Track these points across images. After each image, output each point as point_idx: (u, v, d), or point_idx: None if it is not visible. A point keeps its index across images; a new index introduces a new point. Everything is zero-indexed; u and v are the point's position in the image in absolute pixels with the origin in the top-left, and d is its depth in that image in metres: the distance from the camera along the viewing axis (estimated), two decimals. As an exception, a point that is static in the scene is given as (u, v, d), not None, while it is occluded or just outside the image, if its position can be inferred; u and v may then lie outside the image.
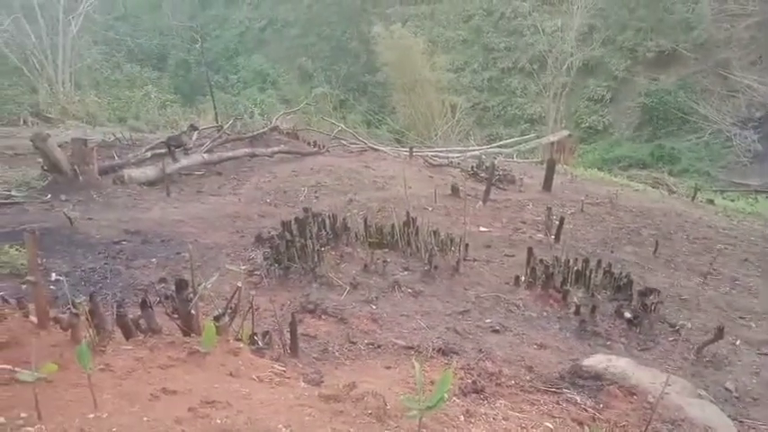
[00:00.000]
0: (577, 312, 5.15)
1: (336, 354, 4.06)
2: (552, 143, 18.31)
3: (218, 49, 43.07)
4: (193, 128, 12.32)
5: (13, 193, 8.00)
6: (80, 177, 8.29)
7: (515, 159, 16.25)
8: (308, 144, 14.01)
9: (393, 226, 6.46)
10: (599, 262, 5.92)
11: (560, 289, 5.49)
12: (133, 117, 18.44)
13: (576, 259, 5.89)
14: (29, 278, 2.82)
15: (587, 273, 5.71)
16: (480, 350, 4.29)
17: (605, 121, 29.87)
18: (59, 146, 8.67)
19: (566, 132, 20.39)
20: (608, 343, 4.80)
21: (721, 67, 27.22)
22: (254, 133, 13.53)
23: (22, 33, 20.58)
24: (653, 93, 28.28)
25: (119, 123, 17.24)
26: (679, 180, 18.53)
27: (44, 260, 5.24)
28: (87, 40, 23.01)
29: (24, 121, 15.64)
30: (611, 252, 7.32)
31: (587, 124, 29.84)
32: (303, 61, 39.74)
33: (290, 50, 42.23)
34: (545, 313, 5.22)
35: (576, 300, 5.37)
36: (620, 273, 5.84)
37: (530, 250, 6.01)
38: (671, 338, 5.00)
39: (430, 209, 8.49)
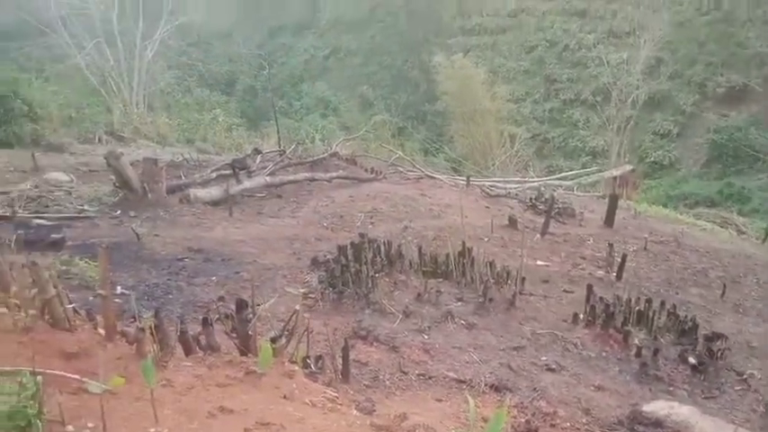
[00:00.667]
0: (638, 355, 4.95)
1: (387, 383, 4.04)
2: (615, 177, 17.84)
3: (283, 75, 44.40)
4: (257, 151, 12.69)
5: (85, 207, 8.42)
6: (149, 195, 8.66)
7: (576, 192, 15.92)
8: (366, 170, 14.17)
9: (448, 255, 6.42)
10: (663, 303, 5.69)
11: (621, 329, 5.30)
12: (201, 139, 19.18)
13: (639, 299, 5.68)
14: (99, 291, 2.95)
15: (650, 314, 5.49)
16: (535, 389, 4.18)
17: (671, 157, 28.95)
18: (131, 164, 9.11)
19: (629, 166, 19.84)
20: (670, 389, 4.59)
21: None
22: (315, 158, 13.80)
23: (102, 57, 21.88)
24: (722, 129, 27.27)
25: (187, 144, 17.96)
26: (749, 220, 17.66)
27: (111, 273, 5.47)
28: (162, 64, 24.22)
29: (99, 140, 16.51)
30: (676, 293, 7.03)
31: (652, 159, 28.99)
32: (364, 89, 40.47)
33: (352, 78, 43.11)
34: (604, 354, 5.05)
35: (637, 341, 5.16)
36: (685, 315, 5.59)
37: (589, 287, 5.84)
38: (738, 388, 4.73)
39: (486, 239, 8.40)
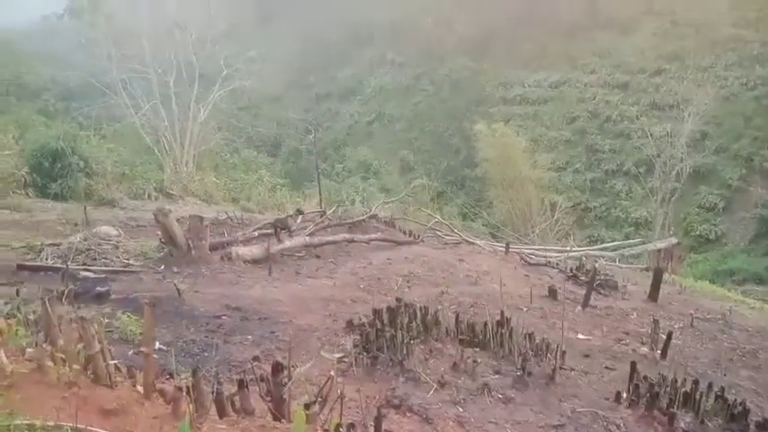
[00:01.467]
0: (685, 440, 4.70)
1: (420, 455, 3.92)
2: (659, 250, 17.43)
3: (328, 139, 45.65)
4: (299, 212, 12.94)
5: (131, 262, 8.66)
6: (193, 252, 8.87)
7: (618, 264, 15.57)
8: (404, 233, 14.23)
9: (486, 324, 6.31)
10: (710, 385, 5.42)
11: (666, 411, 5.05)
12: (245, 198, 19.72)
13: (685, 380, 5.43)
14: (142, 349, 3.00)
15: (697, 396, 5.23)
16: (574, 470, 3.99)
17: (718, 231, 28.22)
18: (177, 221, 9.39)
19: (674, 240, 19.38)
20: (720, 479, 4.31)
21: None
22: (354, 220, 13.97)
23: (157, 117, 23.00)
24: (771, 204, 26.56)
25: (232, 203, 18.48)
26: (802, 300, 16.88)
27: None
28: (213, 126, 25.24)
29: (149, 196, 17.14)
30: (724, 375, 6.69)
31: (698, 232, 28.30)
32: (405, 154, 41.17)
33: (394, 143, 43.98)
34: (648, 437, 4.80)
35: (683, 425, 4.90)
36: (735, 399, 5.30)
37: (633, 365, 5.63)
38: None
39: (525, 309, 8.24)
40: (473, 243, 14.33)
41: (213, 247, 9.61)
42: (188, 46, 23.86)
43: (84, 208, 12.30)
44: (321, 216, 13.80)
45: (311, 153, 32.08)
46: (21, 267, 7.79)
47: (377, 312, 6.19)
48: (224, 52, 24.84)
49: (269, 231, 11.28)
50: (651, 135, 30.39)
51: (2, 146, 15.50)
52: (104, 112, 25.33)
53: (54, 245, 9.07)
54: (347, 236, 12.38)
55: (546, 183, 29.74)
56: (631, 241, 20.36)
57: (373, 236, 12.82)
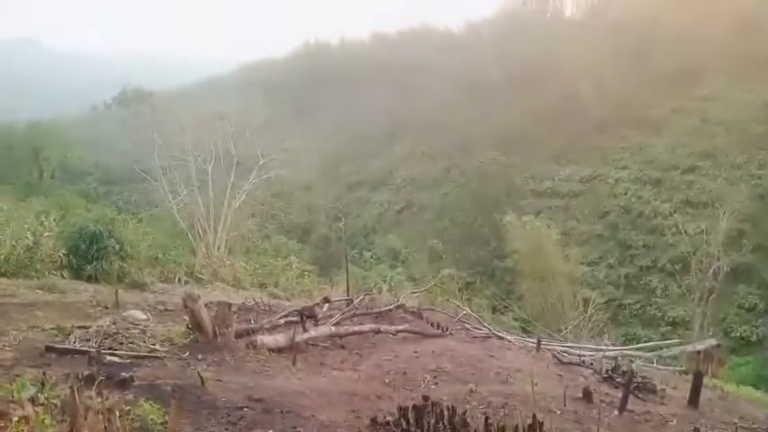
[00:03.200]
0: None
1: None
2: (698, 352, 16.63)
3: (357, 226, 46.20)
4: (326, 300, 12.88)
5: (157, 347, 8.61)
6: (218, 339, 8.80)
7: (655, 365, 14.86)
8: (432, 325, 13.94)
9: (517, 428, 5.99)
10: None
11: None
12: (273, 284, 19.75)
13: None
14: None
15: None
16: None
17: (759, 333, 27.10)
18: (205, 306, 9.39)
19: (714, 341, 18.53)
20: None
21: None
22: (381, 309, 13.79)
23: (193, 203, 23.69)
24: (815, 305, 25.49)
25: (260, 288, 18.50)
26: None
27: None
28: (246, 212, 25.83)
29: (179, 280, 17.30)
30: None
31: (738, 334, 27.21)
32: (434, 243, 41.20)
33: (423, 232, 44.21)
34: None
35: None
36: None
37: (676, 479, 5.23)
38: None
39: (558, 413, 7.83)
40: (503, 338, 13.92)
41: (239, 334, 9.53)
42: (227, 136, 24.92)
43: (116, 291, 12.45)
44: (348, 305, 13.69)
45: (340, 240, 32.38)
46: (49, 349, 7.82)
47: (402, 410, 5.95)
48: (261, 143, 25.83)
49: (295, 319, 11.18)
50: (686, 232, 29.96)
51: (43, 228, 15.99)
52: (143, 197, 26.25)
53: (83, 327, 9.11)
54: (374, 326, 12.18)
55: (578, 277, 29.24)
56: (669, 342, 19.51)
57: (400, 327, 12.59)
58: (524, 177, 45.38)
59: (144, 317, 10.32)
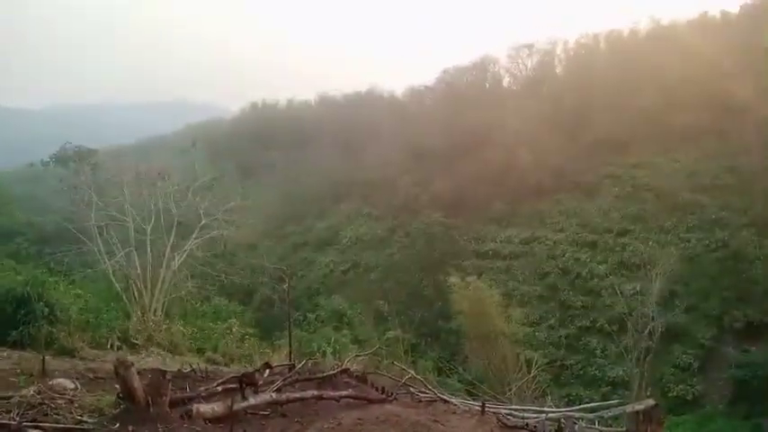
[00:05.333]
0: None
1: None
2: (638, 412, 16.89)
3: (301, 287, 45.56)
4: (267, 366, 12.45)
5: (84, 418, 8.09)
6: (152, 408, 8.33)
7: (597, 426, 14.96)
8: (377, 389, 13.66)
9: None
10: None
11: None
12: (212, 349, 18.97)
13: None
14: None
15: None
16: None
17: (695, 392, 27.90)
18: (138, 373, 8.93)
19: (652, 401, 18.89)
20: None
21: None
22: (325, 374, 13.44)
23: (130, 264, 22.80)
24: (745, 365, 26.59)
25: (197, 354, 17.74)
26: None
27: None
28: (185, 273, 25.02)
29: (111, 345, 16.41)
30: None
31: (675, 393, 27.94)
32: (380, 304, 40.95)
33: (369, 293, 43.92)
34: None
35: None
36: None
37: None
38: None
39: (503, 479, 7.74)
40: (448, 401, 13.76)
41: (174, 404, 9.06)
42: (169, 195, 24.41)
43: (43, 358, 11.71)
44: (290, 370, 13.29)
45: (284, 302, 31.69)
46: (-38, 423, 7.22)
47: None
48: (204, 202, 25.38)
49: (234, 386, 10.75)
50: (621, 293, 30.99)
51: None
52: (77, 258, 25.12)
53: (4, 398, 8.48)
54: (316, 392, 11.83)
55: (521, 338, 29.52)
56: (610, 402, 19.76)
57: (344, 393, 12.27)
58: (467, 239, 46.24)
59: (72, 386, 9.74)
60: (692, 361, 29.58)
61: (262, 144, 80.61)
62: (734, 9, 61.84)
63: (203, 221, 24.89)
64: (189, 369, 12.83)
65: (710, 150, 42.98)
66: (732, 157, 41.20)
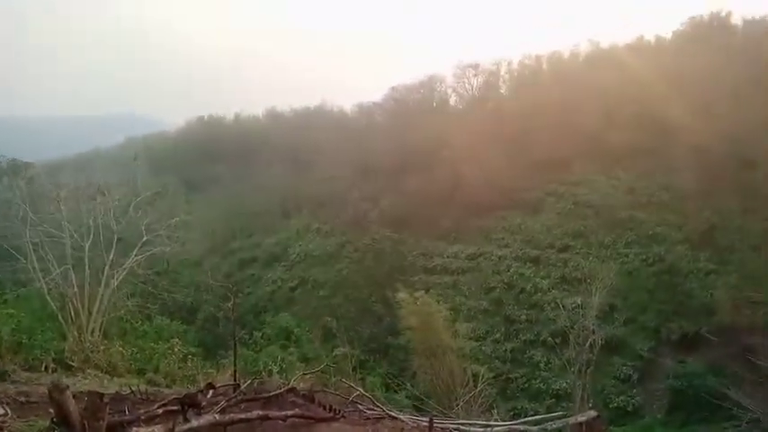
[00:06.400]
0: None
1: None
2: (580, 424, 17.31)
3: (248, 305, 44.74)
4: (210, 386, 12.13)
5: (14, 446, 7.68)
6: (86, 433, 7.98)
7: (542, 439, 15.23)
8: (324, 408, 13.50)
9: None
10: None
11: None
12: (153, 369, 18.32)
13: None
14: None
15: None
16: None
17: (634, 403, 28.79)
18: (74, 396, 8.55)
19: (594, 413, 19.38)
20: None
21: (749, 353, 26.78)
22: (270, 394, 13.20)
23: (66, 283, 21.86)
24: (681, 375, 27.66)
25: (137, 375, 17.10)
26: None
27: None
28: (125, 291, 24.21)
29: (46, 368, 15.66)
30: None
31: (615, 404, 28.75)
32: (328, 321, 40.65)
33: (317, 309, 43.59)
34: None
35: None
36: None
37: None
38: None
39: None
40: (396, 417, 13.73)
41: (111, 428, 8.69)
42: (109, 211, 23.64)
43: (-32, 382, 11.08)
44: (234, 390, 12.99)
45: (229, 320, 31.04)
46: None
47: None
48: (146, 218, 24.68)
49: (175, 408, 10.42)
50: (563, 307, 31.74)
51: None
52: (10, 276, 23.95)
53: None
54: (261, 412, 11.60)
55: (468, 352, 29.78)
56: (553, 415, 20.15)
57: (290, 412, 12.07)
58: (416, 254, 46.59)
59: (2, 411, 9.24)
60: (631, 372, 30.53)
61: (208, 158, 79.24)
62: (667, 34, 65.09)
63: (145, 237, 24.19)
64: (128, 391, 12.37)
65: (647, 169, 44.89)
66: (667, 176, 43.15)
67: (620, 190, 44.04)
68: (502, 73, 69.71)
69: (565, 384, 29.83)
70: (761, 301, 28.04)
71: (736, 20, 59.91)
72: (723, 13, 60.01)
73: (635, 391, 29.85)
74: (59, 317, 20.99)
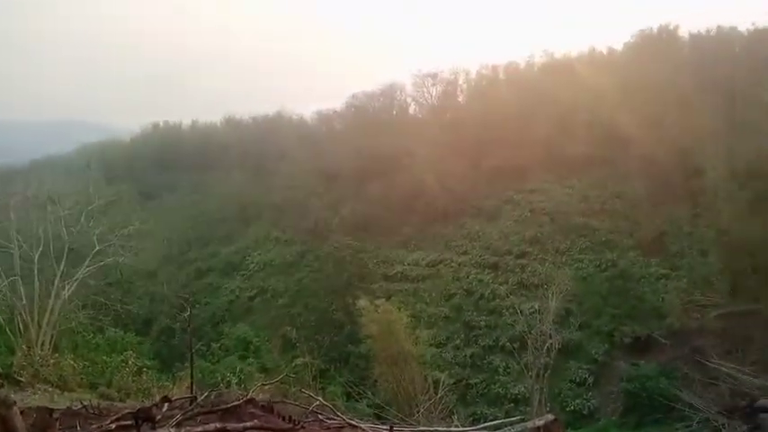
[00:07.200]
0: None
1: None
2: (538, 427, 17.59)
3: (205, 315, 43.94)
4: (165, 399, 11.87)
5: (-45, 466, 7.34)
6: (34, 451, 7.71)
7: (500, 444, 15.42)
8: (283, 418, 13.35)
9: None
10: None
11: None
12: (105, 383, 17.82)
13: None
14: None
15: None
16: None
17: (590, 405, 29.39)
18: (21, 412, 8.25)
19: (551, 416, 19.72)
20: None
21: (698, 355, 27.71)
22: (228, 405, 12.99)
23: (15, 295, 21.10)
24: (634, 378, 28.35)
25: (89, 389, 16.59)
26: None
27: None
28: (77, 303, 23.53)
29: (-8, 383, 15.05)
30: None
31: (572, 407, 29.30)
32: (288, 330, 40.28)
33: (276, 319, 43.15)
34: None
35: None
36: None
37: None
38: None
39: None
40: (357, 426, 13.68)
41: (61, 444, 8.44)
42: (60, 220, 22.97)
43: None
44: (191, 402, 12.74)
45: (185, 331, 30.46)
46: None
47: None
48: (99, 227, 24.07)
49: (129, 422, 10.16)
50: (521, 312, 32.29)
51: None
52: (-43, 289, 23.00)
53: None
54: (219, 425, 11.36)
55: (428, 359, 29.97)
56: (511, 419, 20.42)
57: (248, 424, 11.86)
58: (376, 262, 46.64)
59: (-60, 431, 8.82)
60: (587, 376, 31.17)
61: (164, 166, 77.70)
62: (618, 46, 66.99)
63: (98, 247, 23.60)
64: (79, 406, 11.98)
65: (600, 177, 46.14)
66: (619, 184, 44.43)
67: (575, 198, 45.14)
68: (460, 82, 70.55)
69: (523, 389, 30.27)
70: (709, 305, 29.07)
71: (684, 33, 62.19)
72: (671, 27, 62.18)
73: (590, 394, 30.49)
74: (7, 330, 20.25)
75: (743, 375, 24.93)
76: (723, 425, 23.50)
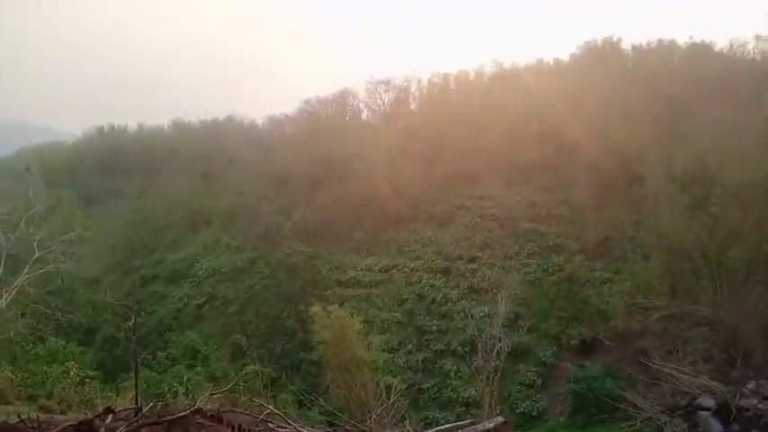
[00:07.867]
0: None
1: None
2: (488, 429, 17.82)
3: (151, 323, 42.78)
4: (108, 410, 11.46)
5: None
6: (-35, 468, 7.32)
7: (452, 447, 15.57)
8: (233, 428, 13.11)
9: None
10: None
11: None
12: (46, 395, 17.11)
13: None
14: None
15: None
16: None
17: (539, 407, 29.96)
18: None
19: (501, 418, 20.04)
20: None
21: (641, 356, 28.68)
22: (175, 416, 12.65)
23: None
24: (581, 379, 29.05)
25: (28, 402, 15.89)
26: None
27: None
28: (15, 312, 22.51)
29: None
30: None
31: (521, 410, 29.80)
32: (238, 338, 39.56)
33: (226, 327, 42.36)
34: None
35: None
36: None
37: None
38: None
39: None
40: (308, 434, 13.54)
41: (-5, 460, 8.04)
42: (-4, 226, 21.99)
43: None
44: (136, 414, 12.35)
45: (130, 340, 29.53)
46: None
47: None
48: (39, 233, 23.11)
49: (70, 436, 9.78)
50: (472, 316, 32.73)
51: None
52: None
53: None
54: (166, 436, 11.10)
55: (381, 365, 29.98)
56: (462, 422, 20.60)
57: (197, 434, 11.63)
58: (329, 268, 46.40)
59: None
60: (535, 378, 31.78)
61: (108, 170, 75.31)
62: (565, 57, 69.04)
63: (37, 254, 22.67)
64: (17, 419, 11.45)
65: (547, 184, 47.31)
66: (565, 191, 45.65)
67: (523, 204, 46.12)
68: (412, 90, 71.24)
69: (474, 392, 30.61)
70: (651, 307, 30.12)
71: (627, 45, 64.68)
72: (615, 39, 64.54)
73: (539, 395, 31.09)
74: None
75: (683, 375, 25.97)
76: (665, 423, 24.45)
